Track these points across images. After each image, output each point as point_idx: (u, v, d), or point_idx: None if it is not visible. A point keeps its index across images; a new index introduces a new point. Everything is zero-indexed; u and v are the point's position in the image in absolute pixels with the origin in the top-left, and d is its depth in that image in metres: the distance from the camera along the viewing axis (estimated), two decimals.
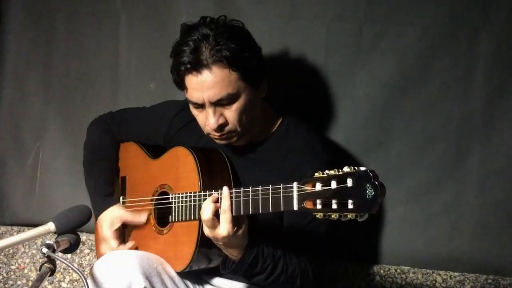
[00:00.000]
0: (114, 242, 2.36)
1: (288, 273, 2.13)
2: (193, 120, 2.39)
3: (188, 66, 2.15)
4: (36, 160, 3.09)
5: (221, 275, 2.33)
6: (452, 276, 2.65)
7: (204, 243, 2.18)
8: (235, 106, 2.18)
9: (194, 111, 2.25)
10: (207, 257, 2.23)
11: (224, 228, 1.98)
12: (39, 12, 3.06)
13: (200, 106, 2.20)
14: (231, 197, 1.99)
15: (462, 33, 2.58)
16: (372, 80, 2.65)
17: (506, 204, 2.59)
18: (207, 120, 2.20)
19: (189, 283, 2.33)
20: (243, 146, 2.32)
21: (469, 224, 2.62)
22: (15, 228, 3.11)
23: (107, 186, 2.47)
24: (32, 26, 3.07)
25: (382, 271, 2.70)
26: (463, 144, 2.61)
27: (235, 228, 1.99)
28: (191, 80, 2.17)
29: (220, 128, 2.19)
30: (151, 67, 2.92)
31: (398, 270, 2.69)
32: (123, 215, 2.39)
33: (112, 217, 2.38)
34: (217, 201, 2.02)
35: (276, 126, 2.34)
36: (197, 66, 2.14)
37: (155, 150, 2.43)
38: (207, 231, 2.03)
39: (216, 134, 2.22)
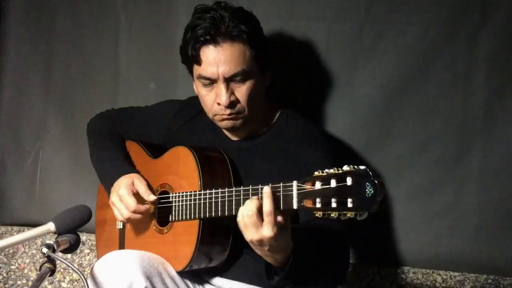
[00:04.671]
0: (131, 199, 2.24)
1: (331, 261, 2.07)
2: (194, 117, 2.39)
3: (208, 37, 2.17)
4: (36, 160, 3.09)
5: (221, 275, 2.33)
6: (452, 276, 2.65)
7: (204, 243, 2.18)
8: (247, 85, 2.21)
9: (203, 91, 2.25)
10: (207, 256, 2.23)
11: (268, 229, 1.86)
12: (39, 12, 3.06)
13: (212, 82, 2.21)
14: (274, 197, 1.87)
15: (462, 33, 2.58)
16: (372, 80, 2.65)
17: (506, 204, 2.59)
18: (218, 97, 2.21)
19: (189, 282, 2.33)
20: (244, 139, 2.33)
21: (469, 224, 2.62)
22: (15, 228, 3.11)
23: (124, 158, 2.42)
24: (32, 26, 3.07)
25: (382, 271, 2.70)
26: (463, 144, 2.61)
27: (281, 229, 1.88)
28: (208, 53, 2.19)
29: (231, 105, 2.20)
30: (151, 67, 2.92)
31: (398, 270, 2.70)
32: (142, 180, 2.28)
33: (131, 177, 2.29)
34: (257, 199, 1.91)
35: (275, 119, 2.35)
36: (216, 38, 2.17)
37: (156, 149, 2.44)
38: (250, 234, 1.89)
39: (225, 113, 2.22)
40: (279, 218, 1.88)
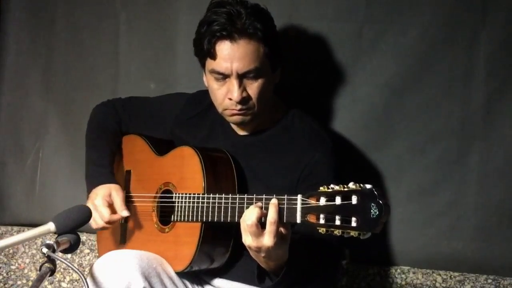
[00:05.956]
0: (105, 210, 2.30)
1: (322, 272, 2.11)
2: (202, 112, 2.41)
3: (224, 33, 2.18)
4: (36, 160, 3.09)
5: (220, 276, 2.33)
6: (452, 276, 2.65)
7: (206, 245, 2.18)
8: (259, 82, 2.22)
9: (214, 85, 2.26)
10: (208, 258, 2.23)
11: (269, 239, 1.88)
12: (39, 12, 3.06)
13: (224, 77, 2.22)
14: (279, 206, 1.89)
15: (462, 33, 2.58)
16: (372, 80, 2.65)
17: (506, 204, 2.59)
18: (230, 93, 2.22)
19: (188, 283, 2.32)
20: (250, 134, 2.34)
21: (469, 224, 2.62)
22: (15, 228, 3.11)
23: (109, 164, 2.46)
24: (32, 27, 3.07)
25: (382, 271, 2.70)
26: (463, 144, 2.61)
27: (281, 240, 1.90)
28: (224, 48, 2.19)
29: (242, 101, 2.21)
30: (151, 67, 2.92)
31: (398, 270, 2.69)
32: (119, 192, 2.34)
33: (109, 188, 2.35)
34: (260, 207, 1.92)
35: (282, 115, 2.37)
36: (232, 34, 2.18)
37: (161, 146, 2.43)
38: (249, 240, 1.91)
39: (236, 108, 2.23)
40: (281, 229, 1.89)
